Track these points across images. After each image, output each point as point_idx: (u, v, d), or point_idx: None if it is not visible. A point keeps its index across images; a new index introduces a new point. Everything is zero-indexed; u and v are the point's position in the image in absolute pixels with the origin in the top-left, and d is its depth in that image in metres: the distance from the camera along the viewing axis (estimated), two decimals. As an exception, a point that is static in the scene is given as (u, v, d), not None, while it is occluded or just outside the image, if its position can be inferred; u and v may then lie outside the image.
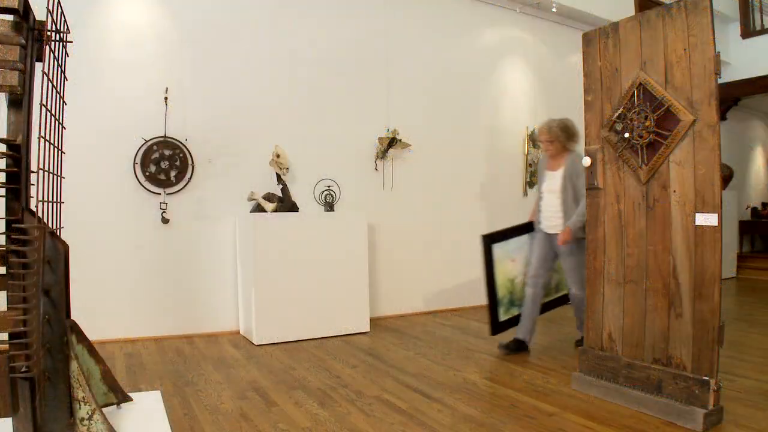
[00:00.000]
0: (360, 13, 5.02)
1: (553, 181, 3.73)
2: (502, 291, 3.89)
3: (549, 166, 3.81)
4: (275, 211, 4.24)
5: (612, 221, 2.88)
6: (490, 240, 3.84)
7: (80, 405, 1.68)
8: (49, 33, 1.72)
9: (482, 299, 5.67)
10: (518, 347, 3.76)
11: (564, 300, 4.15)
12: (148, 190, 4.14)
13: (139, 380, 3.14)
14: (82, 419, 1.70)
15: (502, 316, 3.90)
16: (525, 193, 6.04)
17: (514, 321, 3.92)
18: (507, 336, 3.87)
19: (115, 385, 2.39)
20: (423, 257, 5.35)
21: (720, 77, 2.43)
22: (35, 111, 1.61)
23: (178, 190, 4.24)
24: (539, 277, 3.77)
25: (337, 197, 4.73)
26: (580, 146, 3.37)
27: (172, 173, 4.20)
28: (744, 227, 8.93)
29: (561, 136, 3.68)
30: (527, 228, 3.98)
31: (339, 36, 4.90)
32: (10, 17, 1.48)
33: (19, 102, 1.58)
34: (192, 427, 2.49)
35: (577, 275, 3.62)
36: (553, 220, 3.70)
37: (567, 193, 3.65)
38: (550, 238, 3.72)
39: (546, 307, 4.01)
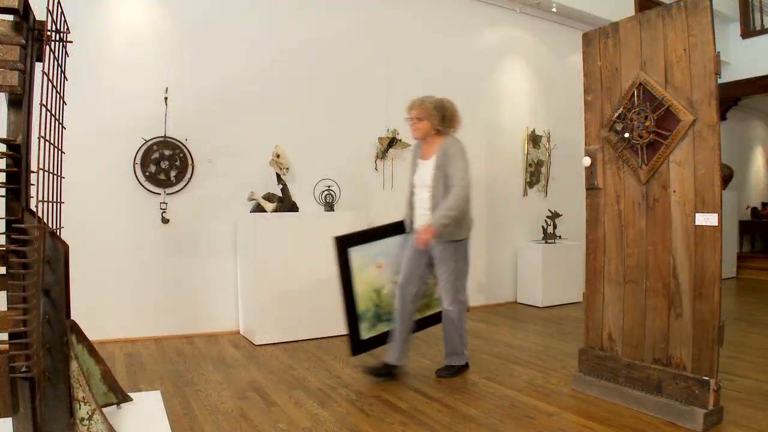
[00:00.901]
0: (360, 13, 5.02)
1: (424, 171, 3.17)
2: (365, 303, 3.27)
3: (422, 153, 3.25)
4: (275, 211, 4.24)
5: (612, 221, 2.88)
6: (345, 243, 3.22)
7: (80, 405, 1.68)
8: (49, 33, 1.72)
9: (483, 299, 5.72)
10: (387, 372, 3.17)
11: (436, 320, 3.56)
12: (148, 190, 4.14)
13: (139, 380, 3.14)
14: (82, 419, 1.69)
15: (366, 334, 3.29)
16: (525, 193, 6.05)
17: (381, 339, 3.34)
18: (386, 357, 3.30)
19: (115, 385, 2.39)
20: (423, 257, 5.35)
21: (720, 77, 2.43)
22: (35, 111, 1.61)
23: (178, 190, 4.24)
24: (409, 287, 3.18)
25: (337, 197, 4.72)
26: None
27: (172, 173, 4.20)
28: (744, 227, 8.93)
29: (434, 115, 3.12)
30: (396, 229, 3.40)
31: (339, 36, 4.90)
32: (10, 17, 1.48)
33: (19, 102, 1.58)
34: (192, 427, 2.49)
35: (448, 286, 3.11)
36: (424, 218, 3.14)
37: (438, 187, 3.07)
38: None
39: (425, 323, 3.50)
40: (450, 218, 2.99)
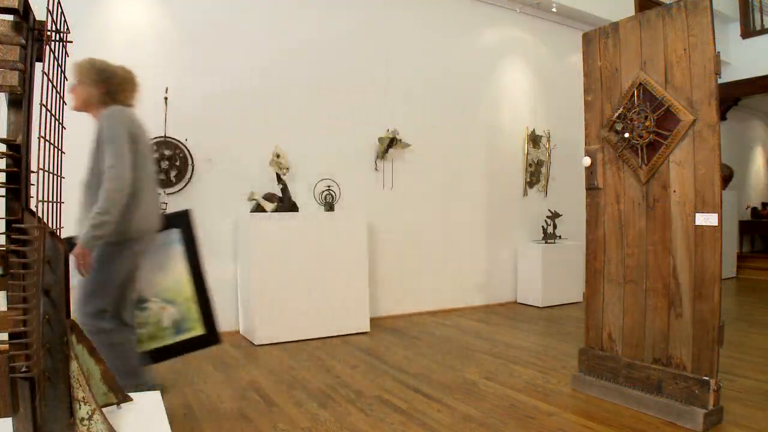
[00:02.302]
0: (360, 13, 5.02)
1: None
2: None
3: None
4: (275, 211, 4.24)
5: (612, 221, 2.88)
6: None
7: (80, 405, 1.68)
8: (49, 33, 1.72)
9: (483, 299, 5.72)
10: None
11: (196, 344, 2.80)
12: (148, 190, 4.14)
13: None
14: (82, 419, 1.69)
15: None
16: (525, 193, 6.04)
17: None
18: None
19: (115, 385, 2.38)
20: (423, 257, 5.35)
21: (720, 77, 2.43)
22: (35, 111, 1.61)
23: (178, 190, 4.24)
24: (85, 308, 2.40)
25: (337, 197, 4.72)
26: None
27: (172, 173, 4.19)
28: (744, 227, 8.93)
29: (91, 77, 2.42)
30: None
31: (339, 36, 4.90)
32: (10, 17, 1.48)
33: (19, 102, 1.58)
34: (192, 427, 2.49)
35: (81, 296, 2.35)
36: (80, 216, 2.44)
37: (92, 175, 2.37)
38: None
39: (161, 354, 2.70)
40: (104, 226, 2.24)
